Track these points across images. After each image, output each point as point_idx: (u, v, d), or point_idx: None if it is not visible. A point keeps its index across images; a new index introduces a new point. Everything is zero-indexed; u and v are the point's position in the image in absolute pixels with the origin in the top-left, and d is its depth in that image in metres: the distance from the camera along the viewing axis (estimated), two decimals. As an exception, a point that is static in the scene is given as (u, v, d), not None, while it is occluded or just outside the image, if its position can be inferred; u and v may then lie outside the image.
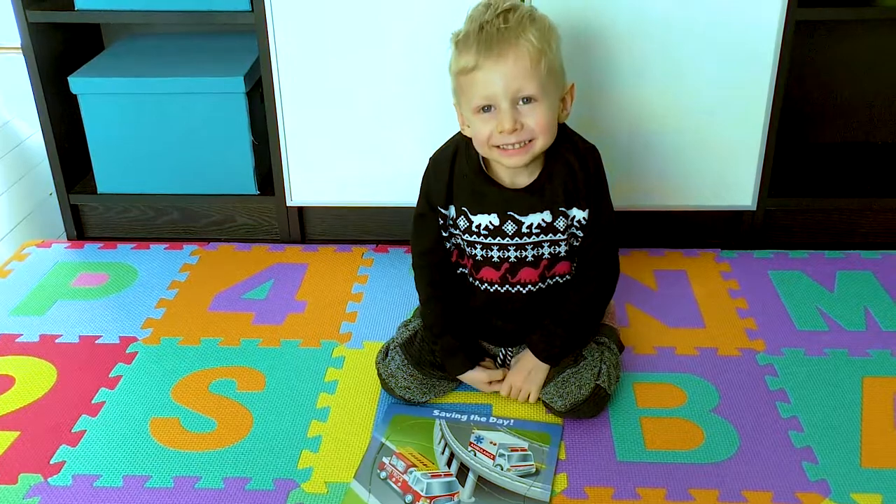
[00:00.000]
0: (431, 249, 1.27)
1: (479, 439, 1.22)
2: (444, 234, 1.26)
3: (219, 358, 1.41)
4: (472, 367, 1.28)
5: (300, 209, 1.75)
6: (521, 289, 1.25)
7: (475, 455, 1.19)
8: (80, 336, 1.47)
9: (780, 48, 1.53)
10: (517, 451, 1.20)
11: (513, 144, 1.13)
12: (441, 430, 1.24)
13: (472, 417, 1.27)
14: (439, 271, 1.28)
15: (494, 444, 1.21)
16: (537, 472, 1.16)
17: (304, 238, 1.78)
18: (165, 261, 1.70)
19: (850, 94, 1.87)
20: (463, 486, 1.14)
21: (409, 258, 1.48)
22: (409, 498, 1.12)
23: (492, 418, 1.27)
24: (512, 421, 1.26)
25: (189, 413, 1.28)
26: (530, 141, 1.13)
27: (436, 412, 1.28)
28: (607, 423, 1.25)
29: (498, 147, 1.14)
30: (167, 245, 1.76)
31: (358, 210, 1.75)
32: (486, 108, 1.13)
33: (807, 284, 1.59)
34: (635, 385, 1.33)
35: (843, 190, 1.72)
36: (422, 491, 1.13)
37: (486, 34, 1.10)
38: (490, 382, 1.28)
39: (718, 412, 1.27)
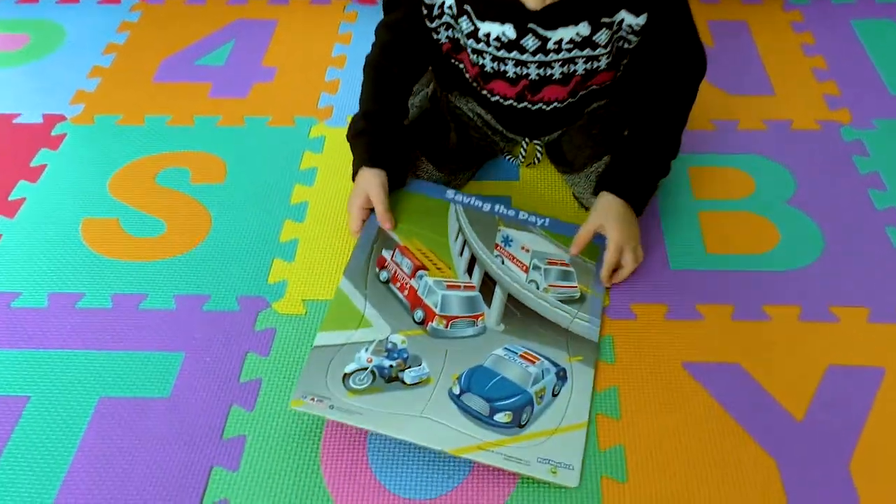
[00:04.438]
0: (401, 27, 0.97)
1: (507, 241, 0.96)
2: (430, 25, 0.95)
3: (168, 141, 1.19)
4: (383, 170, 0.97)
5: (263, -52, 1.42)
6: (545, 106, 0.99)
7: (503, 263, 0.94)
8: (-7, 115, 1.25)
9: None
10: (556, 264, 0.94)
11: None
12: (458, 219, 0.97)
13: (497, 207, 1.00)
14: (402, 56, 0.98)
15: (527, 251, 0.95)
16: (582, 299, 0.91)
17: (271, -14, 1.47)
18: (100, 17, 1.46)
19: None
20: (489, 307, 0.89)
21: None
22: (419, 315, 0.87)
23: (521, 213, 0.99)
24: (547, 220, 0.99)
25: (131, 212, 1.08)
26: None
27: (450, 193, 1.01)
28: (657, 222, 1.03)
29: None
30: (101, -3, 1.50)
31: (336, -52, 1.43)
32: None
33: (902, 37, 1.34)
34: (691, 170, 1.11)
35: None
36: (435, 306, 0.87)
37: None
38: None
39: (795, 203, 1.07)
